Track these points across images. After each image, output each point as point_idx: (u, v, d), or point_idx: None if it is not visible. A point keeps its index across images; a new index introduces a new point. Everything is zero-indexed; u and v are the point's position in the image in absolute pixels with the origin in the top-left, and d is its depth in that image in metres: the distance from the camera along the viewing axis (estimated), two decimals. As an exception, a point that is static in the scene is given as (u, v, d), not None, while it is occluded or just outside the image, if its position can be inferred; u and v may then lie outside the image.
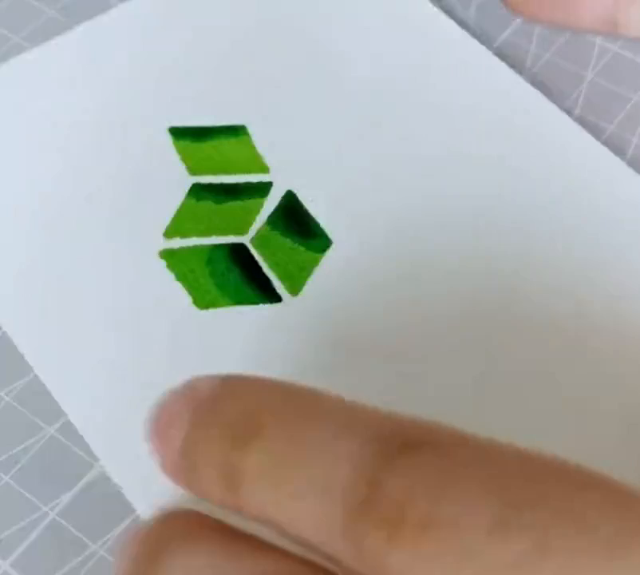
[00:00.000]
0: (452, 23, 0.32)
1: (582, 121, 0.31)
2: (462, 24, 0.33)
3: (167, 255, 0.28)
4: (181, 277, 0.27)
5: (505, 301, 0.27)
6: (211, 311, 0.27)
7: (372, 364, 0.26)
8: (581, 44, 0.33)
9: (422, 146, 0.30)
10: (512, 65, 0.32)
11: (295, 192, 0.29)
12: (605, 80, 0.32)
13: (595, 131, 0.31)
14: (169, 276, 0.27)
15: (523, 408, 0.25)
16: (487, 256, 0.28)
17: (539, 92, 0.31)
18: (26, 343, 0.26)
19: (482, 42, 0.32)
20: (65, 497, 0.24)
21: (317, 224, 0.28)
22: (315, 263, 0.28)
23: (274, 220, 0.28)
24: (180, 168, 0.29)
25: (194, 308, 0.27)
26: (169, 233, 0.28)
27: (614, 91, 0.32)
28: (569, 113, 0.31)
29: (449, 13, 0.33)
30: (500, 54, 0.32)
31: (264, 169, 0.29)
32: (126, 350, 0.26)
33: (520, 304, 0.27)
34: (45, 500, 0.24)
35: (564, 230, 0.28)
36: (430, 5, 0.32)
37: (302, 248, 0.28)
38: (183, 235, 0.28)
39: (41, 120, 0.30)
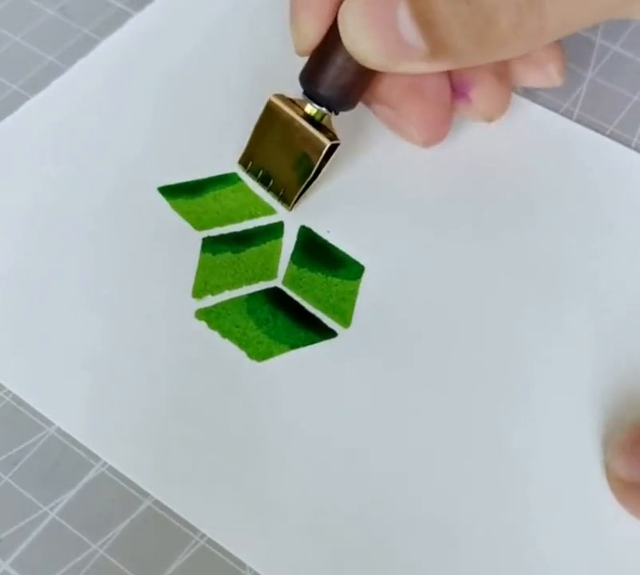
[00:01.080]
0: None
1: (582, 122, 0.31)
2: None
3: (205, 314, 0.27)
4: (227, 334, 0.26)
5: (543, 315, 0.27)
6: (270, 360, 0.26)
7: (443, 377, 0.26)
8: (581, 44, 0.33)
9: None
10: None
11: (309, 226, 0.29)
12: (605, 80, 0.32)
13: (595, 131, 0.31)
14: (213, 335, 0.26)
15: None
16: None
17: None
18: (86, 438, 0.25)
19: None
20: (65, 497, 0.24)
21: (342, 253, 0.28)
22: (354, 291, 0.27)
23: (298, 258, 0.28)
24: (184, 225, 0.28)
25: (252, 362, 0.26)
26: (198, 292, 0.27)
27: (614, 91, 0.32)
28: (569, 113, 0.31)
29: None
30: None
31: (270, 211, 0.29)
32: (195, 421, 0.25)
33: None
34: (45, 500, 0.24)
35: None
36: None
37: (336, 280, 0.27)
38: (213, 292, 0.27)
39: (24, 196, 0.29)
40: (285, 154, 0.28)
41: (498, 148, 0.30)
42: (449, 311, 0.27)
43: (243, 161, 0.29)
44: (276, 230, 0.28)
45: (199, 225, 0.28)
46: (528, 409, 0.25)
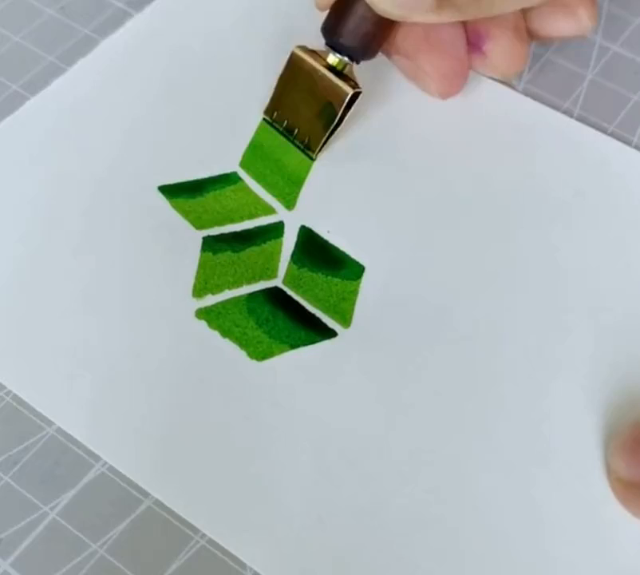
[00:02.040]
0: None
1: (582, 121, 0.31)
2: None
3: (205, 314, 0.27)
4: (227, 333, 0.26)
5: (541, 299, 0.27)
6: (270, 360, 0.26)
7: (443, 376, 0.26)
8: (581, 44, 0.33)
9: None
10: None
11: (309, 226, 0.29)
12: (605, 80, 0.32)
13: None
14: (213, 335, 0.26)
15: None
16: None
17: None
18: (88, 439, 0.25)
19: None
20: (65, 497, 0.24)
21: (343, 253, 0.28)
22: (355, 291, 0.27)
23: (299, 257, 0.28)
24: (184, 224, 0.28)
25: (252, 362, 0.26)
26: (198, 292, 0.27)
27: (614, 91, 0.32)
28: (569, 113, 0.31)
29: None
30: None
31: (271, 211, 0.29)
32: (195, 421, 0.25)
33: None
34: (45, 500, 0.24)
35: None
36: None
37: (336, 280, 0.27)
38: (214, 291, 0.27)
39: (28, 195, 0.29)
40: (309, 104, 0.29)
41: (497, 146, 0.30)
42: (449, 311, 0.27)
43: (268, 113, 0.30)
44: (276, 230, 0.28)
45: (199, 225, 0.28)
46: (528, 408, 0.25)
